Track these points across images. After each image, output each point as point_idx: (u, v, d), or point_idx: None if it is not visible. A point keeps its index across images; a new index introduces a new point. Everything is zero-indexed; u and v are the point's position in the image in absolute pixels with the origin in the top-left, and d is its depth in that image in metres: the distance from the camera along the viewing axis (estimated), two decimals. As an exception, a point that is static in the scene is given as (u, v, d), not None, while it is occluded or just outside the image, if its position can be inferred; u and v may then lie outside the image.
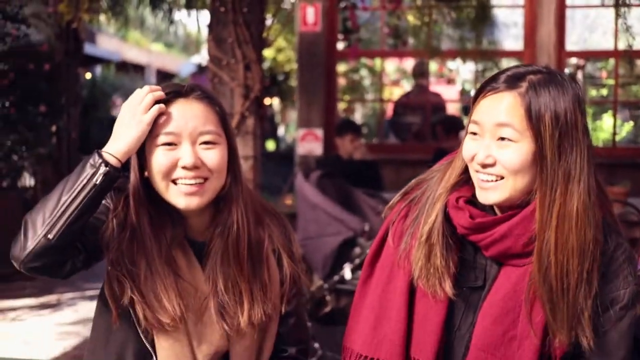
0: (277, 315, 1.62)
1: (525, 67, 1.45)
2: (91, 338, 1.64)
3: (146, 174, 1.53)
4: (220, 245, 1.55)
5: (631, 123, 9.88)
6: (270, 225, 1.64)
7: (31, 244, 1.41)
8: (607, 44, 9.67)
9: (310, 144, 6.19)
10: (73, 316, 4.89)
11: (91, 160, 1.43)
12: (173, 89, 1.52)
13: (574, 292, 1.37)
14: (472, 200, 1.50)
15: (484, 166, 1.42)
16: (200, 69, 16.37)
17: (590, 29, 10.90)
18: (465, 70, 12.17)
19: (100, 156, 1.43)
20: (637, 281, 1.43)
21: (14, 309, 5.02)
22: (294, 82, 9.65)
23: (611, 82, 10.00)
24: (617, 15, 4.22)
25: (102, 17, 8.31)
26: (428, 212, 1.52)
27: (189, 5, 7.04)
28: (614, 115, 7.15)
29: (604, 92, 11.09)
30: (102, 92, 12.75)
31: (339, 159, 5.53)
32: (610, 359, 1.41)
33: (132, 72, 15.94)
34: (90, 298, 5.38)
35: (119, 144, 1.45)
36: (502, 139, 1.40)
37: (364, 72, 11.48)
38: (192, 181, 1.48)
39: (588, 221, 1.37)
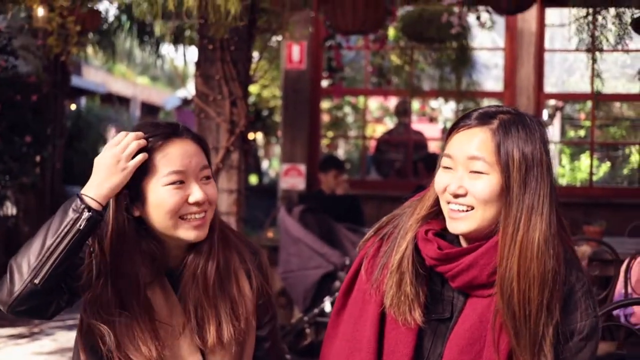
0: (252, 333, 1.66)
1: (496, 107, 1.55)
2: None
3: (137, 213, 1.55)
4: (191, 271, 1.59)
5: (608, 164, 10.07)
6: (239, 246, 1.69)
7: (18, 289, 1.43)
8: (585, 86, 9.91)
9: (293, 179, 6.27)
10: (51, 345, 4.87)
11: (74, 205, 1.44)
12: (170, 129, 1.56)
13: (535, 319, 1.43)
14: (442, 233, 1.57)
15: (456, 196, 1.50)
16: (185, 103, 16.48)
17: (568, 72, 11.15)
18: (447, 109, 12.37)
19: (82, 201, 1.44)
20: (596, 314, 1.49)
21: (-8, 339, 5.00)
22: (277, 118, 9.77)
23: (589, 123, 10.23)
24: (592, 60, 4.39)
25: (90, 50, 8.42)
26: (399, 242, 1.59)
27: (176, 41, 7.17)
28: (591, 156, 7.30)
29: (582, 133, 11.31)
30: (87, 123, 12.77)
31: (321, 193, 5.61)
32: None
33: (117, 104, 15.98)
34: (69, 328, 5.37)
35: (102, 189, 1.46)
36: (474, 171, 1.49)
37: (347, 109, 11.63)
38: (201, 214, 1.55)
39: (548, 252, 1.44)
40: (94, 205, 1.45)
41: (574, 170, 10.00)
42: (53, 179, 6.67)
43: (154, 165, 1.52)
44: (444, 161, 1.54)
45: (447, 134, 1.58)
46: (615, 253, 3.76)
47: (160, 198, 1.52)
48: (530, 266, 1.43)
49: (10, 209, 6.47)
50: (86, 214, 1.43)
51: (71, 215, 1.44)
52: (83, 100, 14.49)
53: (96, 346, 1.53)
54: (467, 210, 1.50)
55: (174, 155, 1.53)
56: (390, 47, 6.49)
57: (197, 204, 1.53)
